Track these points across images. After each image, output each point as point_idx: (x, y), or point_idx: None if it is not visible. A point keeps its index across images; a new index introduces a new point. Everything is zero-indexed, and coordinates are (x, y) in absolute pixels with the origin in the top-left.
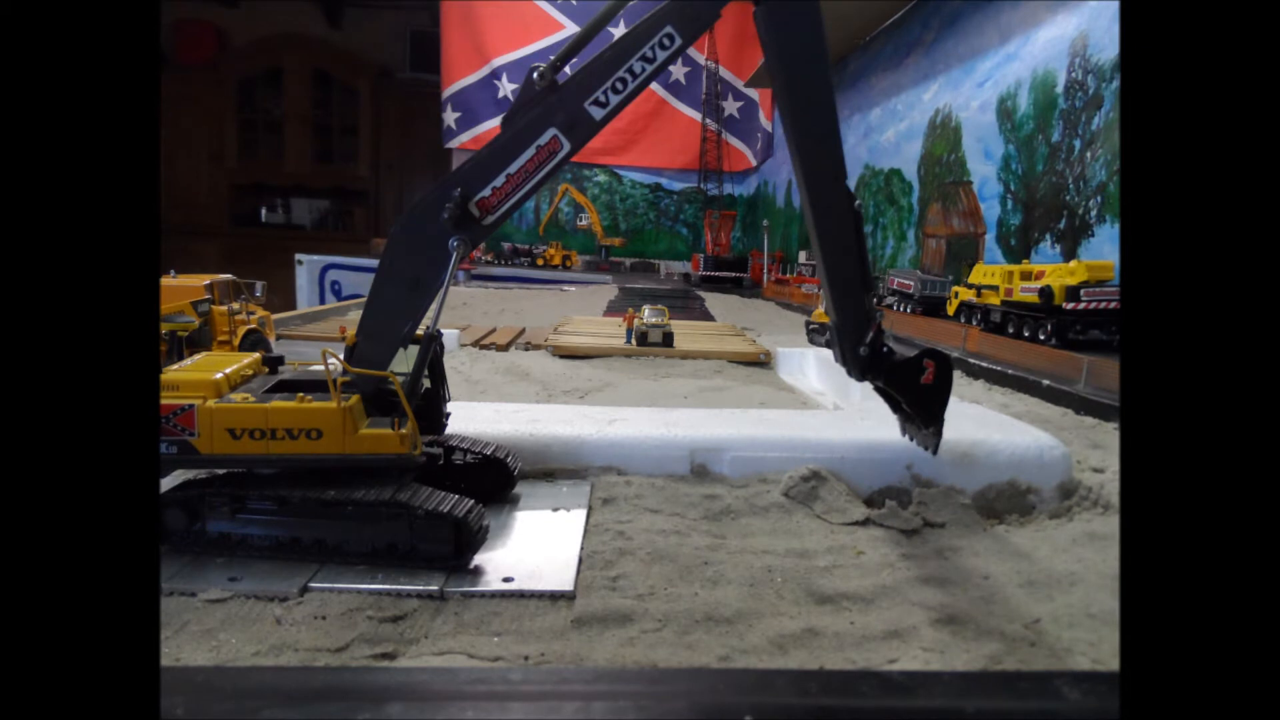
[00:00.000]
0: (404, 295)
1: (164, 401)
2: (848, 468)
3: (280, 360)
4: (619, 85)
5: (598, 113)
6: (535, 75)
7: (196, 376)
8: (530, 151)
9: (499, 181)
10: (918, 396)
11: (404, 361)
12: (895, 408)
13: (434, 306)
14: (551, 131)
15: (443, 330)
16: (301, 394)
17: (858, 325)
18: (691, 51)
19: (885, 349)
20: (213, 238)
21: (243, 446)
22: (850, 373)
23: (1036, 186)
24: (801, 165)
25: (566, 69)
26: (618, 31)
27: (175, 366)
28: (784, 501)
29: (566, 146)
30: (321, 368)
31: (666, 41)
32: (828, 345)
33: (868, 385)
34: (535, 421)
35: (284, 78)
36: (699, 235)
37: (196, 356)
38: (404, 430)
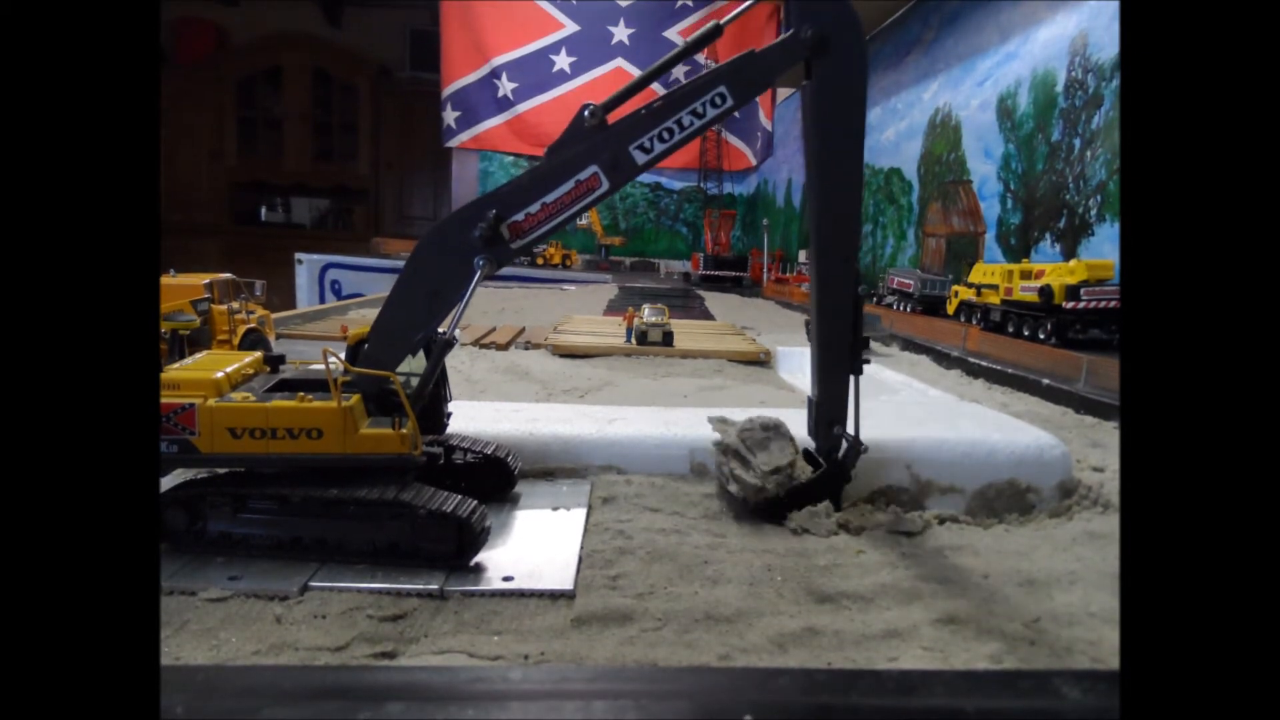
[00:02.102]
0: (422, 304)
1: (164, 400)
2: None
3: (281, 359)
4: (665, 135)
5: (641, 157)
6: (587, 113)
7: (197, 375)
8: (569, 184)
9: (534, 208)
10: (818, 492)
11: (407, 363)
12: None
13: (450, 316)
14: (593, 169)
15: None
16: (302, 393)
17: (836, 402)
18: None
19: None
20: (213, 236)
21: (243, 446)
22: (818, 447)
23: (1036, 185)
24: (817, 238)
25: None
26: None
27: (176, 365)
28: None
29: (605, 185)
30: (322, 367)
31: (718, 100)
32: None
33: (868, 385)
34: (535, 421)
35: (284, 76)
36: (699, 234)
37: (198, 355)
38: (404, 430)
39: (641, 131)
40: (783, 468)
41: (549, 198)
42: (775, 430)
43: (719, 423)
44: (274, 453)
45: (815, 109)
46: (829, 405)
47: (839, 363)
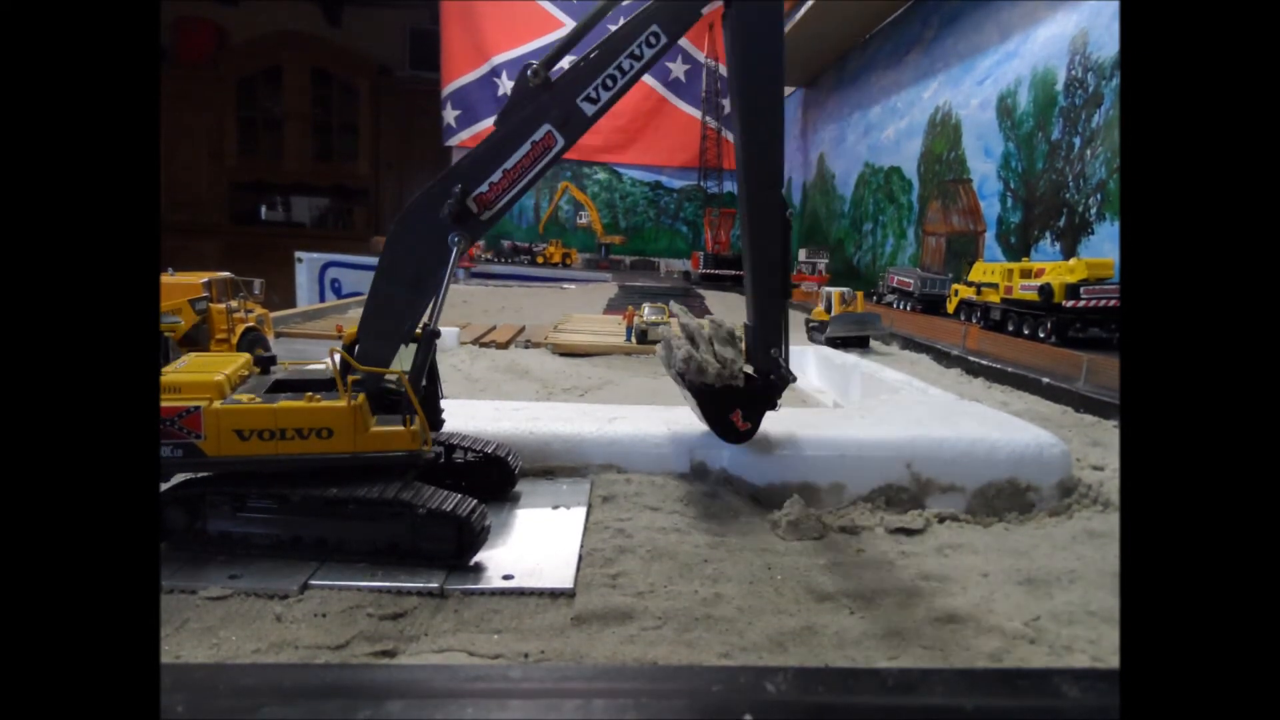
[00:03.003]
0: (405, 293)
1: (168, 404)
2: (847, 465)
3: (272, 360)
4: (609, 82)
5: (589, 109)
6: (529, 73)
7: (199, 378)
8: (525, 147)
9: (496, 177)
10: (747, 400)
11: (399, 359)
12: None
13: (435, 303)
14: (546, 127)
15: (441, 328)
16: (310, 394)
17: (773, 326)
18: (691, 49)
19: (779, 373)
20: (212, 235)
21: (251, 448)
22: (755, 369)
23: (1036, 184)
24: (744, 167)
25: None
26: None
27: (169, 368)
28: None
29: (560, 142)
30: (317, 367)
31: (653, 40)
32: (829, 344)
33: (867, 385)
34: (535, 419)
35: (284, 76)
36: (699, 233)
37: (186, 358)
38: (414, 426)
39: (586, 82)
40: (729, 361)
41: (509, 164)
42: (732, 334)
43: (681, 310)
44: (283, 454)
45: (734, 37)
46: (765, 329)
47: (771, 289)
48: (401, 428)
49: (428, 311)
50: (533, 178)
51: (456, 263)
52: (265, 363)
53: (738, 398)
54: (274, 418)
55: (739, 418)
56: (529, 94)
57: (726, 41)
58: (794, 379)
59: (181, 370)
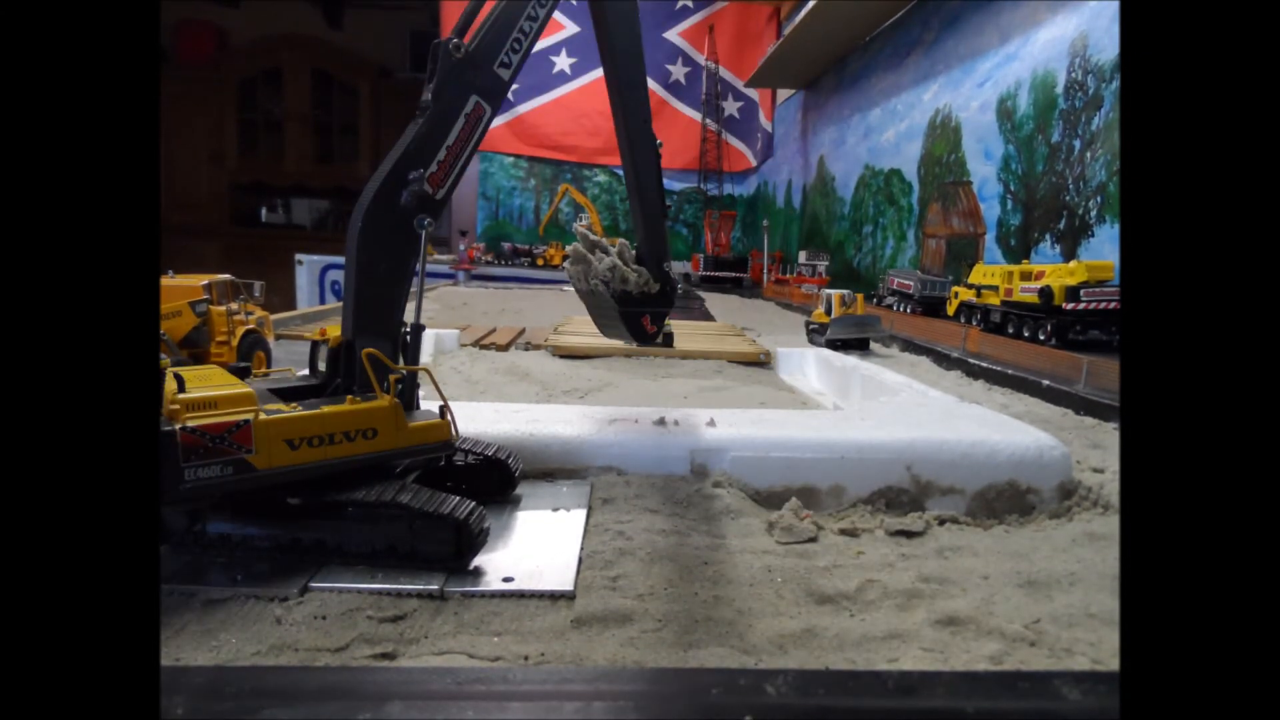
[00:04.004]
0: (388, 289)
1: (213, 420)
2: (847, 467)
3: (248, 370)
4: (516, 46)
5: (505, 74)
6: (452, 46)
7: (230, 391)
8: (461, 121)
9: (441, 155)
10: (634, 314)
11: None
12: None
13: (419, 294)
14: (474, 98)
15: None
16: (351, 395)
17: (661, 242)
18: (691, 52)
19: (670, 283)
20: (213, 237)
21: (301, 456)
22: (651, 280)
23: (1036, 187)
24: (624, 110)
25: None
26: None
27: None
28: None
29: (488, 110)
30: (283, 373)
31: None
32: (828, 346)
33: (867, 388)
34: (535, 421)
35: (284, 77)
36: (699, 235)
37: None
38: (447, 418)
39: (499, 48)
40: (643, 273)
41: (450, 140)
42: (633, 253)
43: (588, 229)
44: (332, 458)
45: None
46: (655, 246)
47: (657, 212)
48: (435, 421)
49: (410, 306)
50: (471, 151)
51: (426, 246)
52: (241, 373)
53: (647, 305)
54: (322, 423)
55: (648, 322)
56: (454, 67)
57: (593, 12)
58: (680, 285)
59: (207, 385)
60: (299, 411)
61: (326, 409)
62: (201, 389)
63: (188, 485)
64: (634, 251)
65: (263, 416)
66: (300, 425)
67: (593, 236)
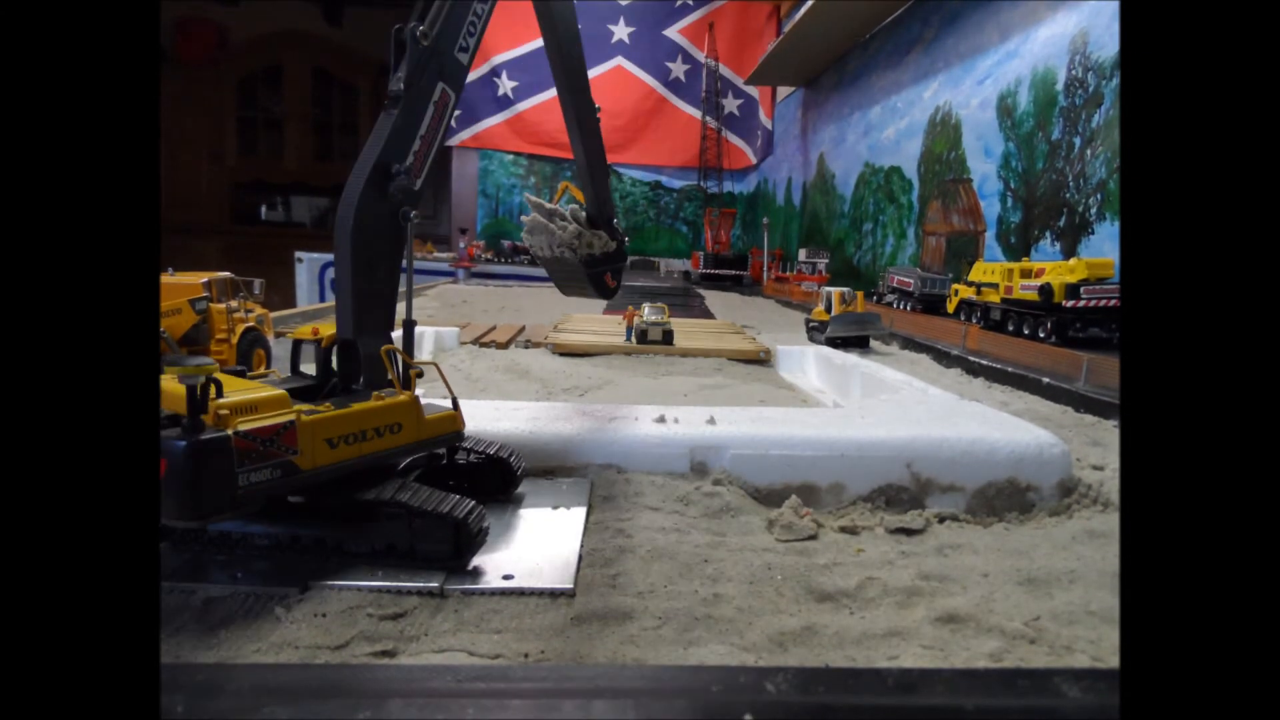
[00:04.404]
0: (382, 284)
1: (262, 423)
2: (847, 465)
3: (242, 373)
4: (471, 29)
5: (464, 58)
6: (420, 33)
7: (264, 395)
8: (430, 109)
9: (416, 145)
10: (598, 274)
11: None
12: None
13: (409, 289)
14: (440, 85)
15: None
16: (377, 392)
17: (607, 202)
18: (691, 49)
19: (620, 238)
20: (213, 236)
21: (339, 454)
22: (608, 239)
23: (1036, 184)
24: (566, 80)
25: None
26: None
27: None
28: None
29: (452, 96)
30: (269, 375)
31: None
32: (829, 344)
33: (867, 385)
34: (535, 419)
35: (284, 76)
36: (699, 233)
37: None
38: (457, 410)
39: (457, 33)
40: (602, 235)
41: (423, 129)
42: (575, 215)
43: (540, 200)
44: (366, 454)
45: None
46: (604, 206)
47: (602, 174)
48: (447, 412)
49: (401, 301)
50: (439, 137)
51: (411, 239)
52: (235, 374)
53: (608, 263)
54: (358, 421)
55: (609, 278)
56: (420, 53)
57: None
58: (627, 240)
59: (242, 389)
60: (335, 410)
61: (358, 406)
62: (240, 392)
63: (241, 490)
64: (584, 214)
65: (305, 417)
66: (338, 424)
67: (547, 205)
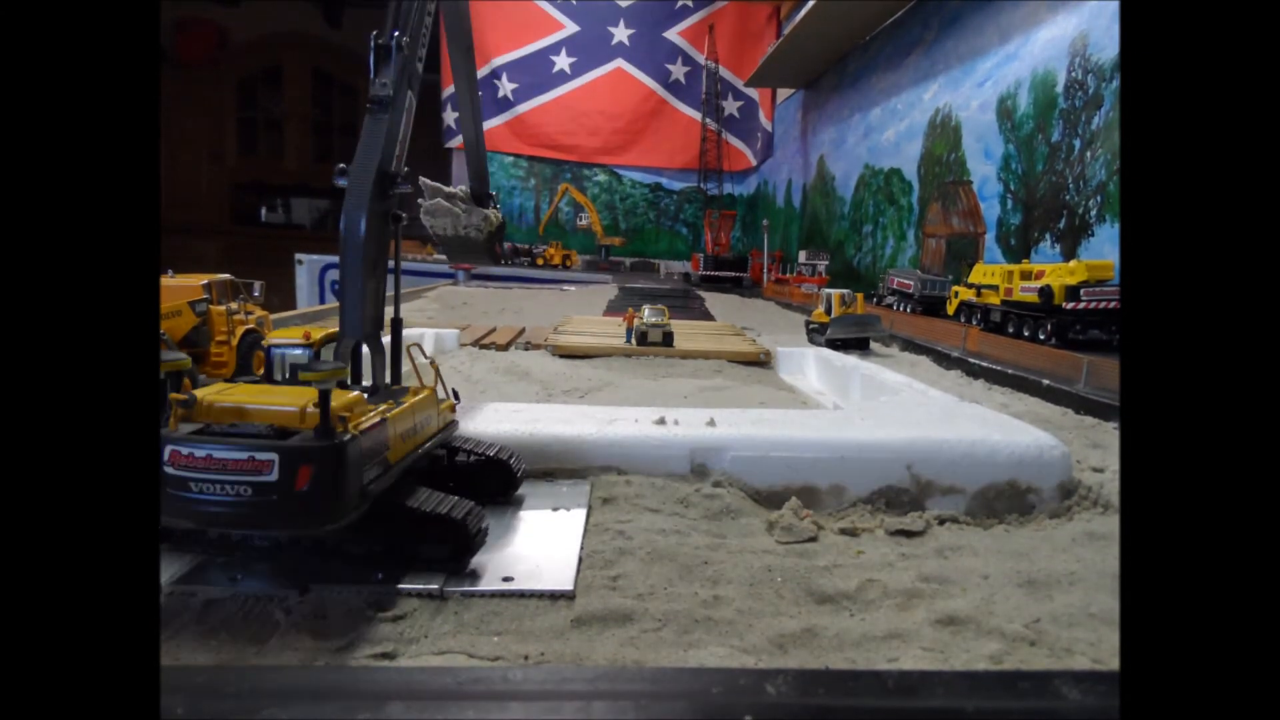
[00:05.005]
0: (383, 283)
1: (370, 424)
2: (847, 467)
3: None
4: (423, 40)
5: (419, 66)
6: (403, 43)
7: (352, 396)
8: (405, 116)
9: (398, 150)
10: (490, 242)
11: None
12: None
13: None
14: (409, 93)
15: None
16: (413, 389)
17: (485, 179)
18: (691, 51)
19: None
20: (212, 237)
21: (406, 447)
22: (479, 204)
23: (1036, 186)
24: (467, 79)
25: None
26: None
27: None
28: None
29: (414, 102)
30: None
31: None
32: (828, 345)
33: (867, 387)
34: (535, 421)
35: (284, 77)
36: (699, 235)
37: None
38: (452, 401)
39: (416, 41)
40: (492, 213)
41: (403, 135)
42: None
43: (435, 185)
44: (415, 447)
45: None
46: (484, 184)
47: (481, 155)
48: (447, 402)
49: (391, 301)
50: (408, 139)
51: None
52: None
53: (499, 237)
54: (412, 415)
55: (499, 249)
56: (398, 60)
57: (445, 24)
58: (499, 214)
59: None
60: (399, 407)
61: (410, 401)
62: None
63: (364, 490)
64: (468, 192)
65: (390, 415)
66: (402, 419)
67: (445, 188)
